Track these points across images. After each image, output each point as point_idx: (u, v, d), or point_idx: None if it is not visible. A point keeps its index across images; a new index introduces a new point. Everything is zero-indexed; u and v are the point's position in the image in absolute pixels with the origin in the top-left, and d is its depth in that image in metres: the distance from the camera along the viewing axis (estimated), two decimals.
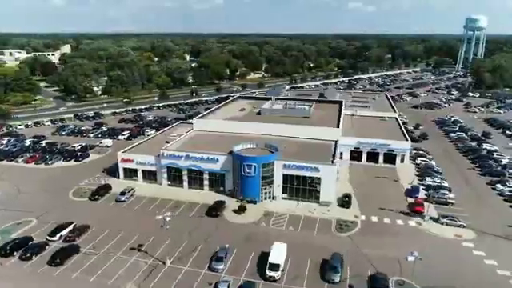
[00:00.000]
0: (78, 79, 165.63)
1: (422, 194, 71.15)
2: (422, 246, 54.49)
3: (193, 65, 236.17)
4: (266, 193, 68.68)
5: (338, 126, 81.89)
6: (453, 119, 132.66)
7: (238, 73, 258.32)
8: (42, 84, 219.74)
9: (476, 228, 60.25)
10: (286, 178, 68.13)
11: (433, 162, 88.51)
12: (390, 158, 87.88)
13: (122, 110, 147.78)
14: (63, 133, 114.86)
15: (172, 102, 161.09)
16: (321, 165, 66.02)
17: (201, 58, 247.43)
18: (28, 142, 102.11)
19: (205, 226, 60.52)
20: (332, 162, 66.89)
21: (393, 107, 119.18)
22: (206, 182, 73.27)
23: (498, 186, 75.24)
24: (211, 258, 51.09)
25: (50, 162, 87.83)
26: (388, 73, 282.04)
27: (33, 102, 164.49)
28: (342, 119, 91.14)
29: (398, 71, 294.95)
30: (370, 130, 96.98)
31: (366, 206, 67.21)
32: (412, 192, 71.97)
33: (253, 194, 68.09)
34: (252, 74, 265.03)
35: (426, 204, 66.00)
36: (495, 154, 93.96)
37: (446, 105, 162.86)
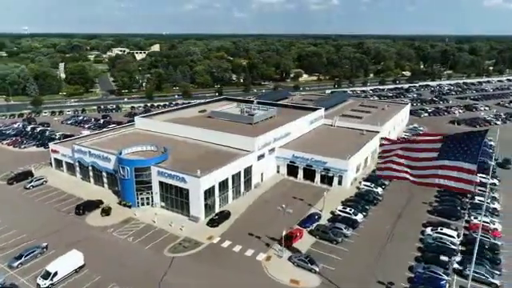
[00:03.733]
0: (119, 75, 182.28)
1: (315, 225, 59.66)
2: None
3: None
4: (143, 198, 65.98)
5: (256, 136, 73.43)
6: None
7: (292, 74, 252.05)
8: (112, 78, 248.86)
9: (332, 276, 48.05)
10: (162, 185, 64.33)
11: (379, 189, 72.93)
12: (329, 178, 75.50)
13: (141, 104, 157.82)
14: (68, 122, 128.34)
15: (193, 101, 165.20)
16: (187, 176, 60.42)
17: (253, 58, 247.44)
18: (29, 128, 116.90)
19: (60, 223, 61.15)
20: (200, 174, 60.36)
21: (387, 121, 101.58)
22: (105, 180, 73.83)
23: (428, 230, 58.19)
24: None
25: (22, 146, 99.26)
26: (469, 80, 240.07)
27: (85, 94, 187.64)
28: (283, 128, 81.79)
29: (485, 79, 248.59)
30: (327, 143, 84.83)
31: (238, 229, 59.42)
32: (306, 221, 60.83)
33: (128, 198, 66.13)
34: (306, 75, 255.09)
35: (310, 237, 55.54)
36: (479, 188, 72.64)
37: (499, 122, 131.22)
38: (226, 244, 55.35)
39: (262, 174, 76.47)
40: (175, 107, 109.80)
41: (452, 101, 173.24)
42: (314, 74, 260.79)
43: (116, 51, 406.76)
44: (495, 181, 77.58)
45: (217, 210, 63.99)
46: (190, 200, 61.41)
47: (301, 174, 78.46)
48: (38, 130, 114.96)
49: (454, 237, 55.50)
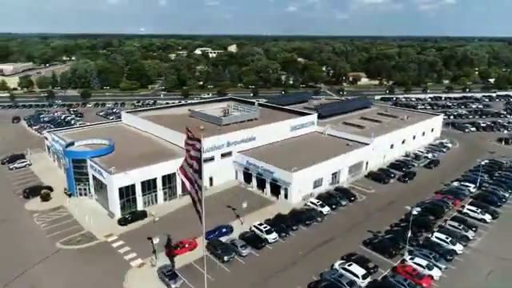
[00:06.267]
0: (169, 72, 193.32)
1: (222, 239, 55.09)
2: None
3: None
4: (80, 189, 68.73)
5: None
6: None
7: (350, 78, 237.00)
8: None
9: None
10: (94, 178, 66.17)
11: (325, 209, 63.81)
12: (277, 189, 68.98)
13: (176, 101, 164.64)
14: (100, 114, 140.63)
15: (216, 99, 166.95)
16: (104, 172, 60.98)
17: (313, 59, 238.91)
18: (62, 117, 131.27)
19: (4, 203, 67.04)
20: (114, 170, 60.09)
21: (387, 133, 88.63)
22: None
23: (336, 264, 48.87)
24: None
25: (43, 132, 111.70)
26: None
27: (139, 89, 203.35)
28: (244, 132, 77.21)
29: None
30: (298, 152, 77.59)
31: (143, 230, 57.88)
32: (211, 232, 56.40)
33: (69, 187, 69.50)
34: (367, 79, 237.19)
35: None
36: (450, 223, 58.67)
37: None
38: (117, 244, 54.39)
39: (210, 179, 73.29)
40: (172, 105, 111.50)
41: None
42: (377, 78, 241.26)
43: (199, 51, 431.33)
44: (487, 216, 61.51)
45: (139, 209, 63.34)
46: (108, 196, 62.00)
47: (254, 182, 73.16)
48: (68, 119, 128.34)
49: (358, 276, 45.64)
